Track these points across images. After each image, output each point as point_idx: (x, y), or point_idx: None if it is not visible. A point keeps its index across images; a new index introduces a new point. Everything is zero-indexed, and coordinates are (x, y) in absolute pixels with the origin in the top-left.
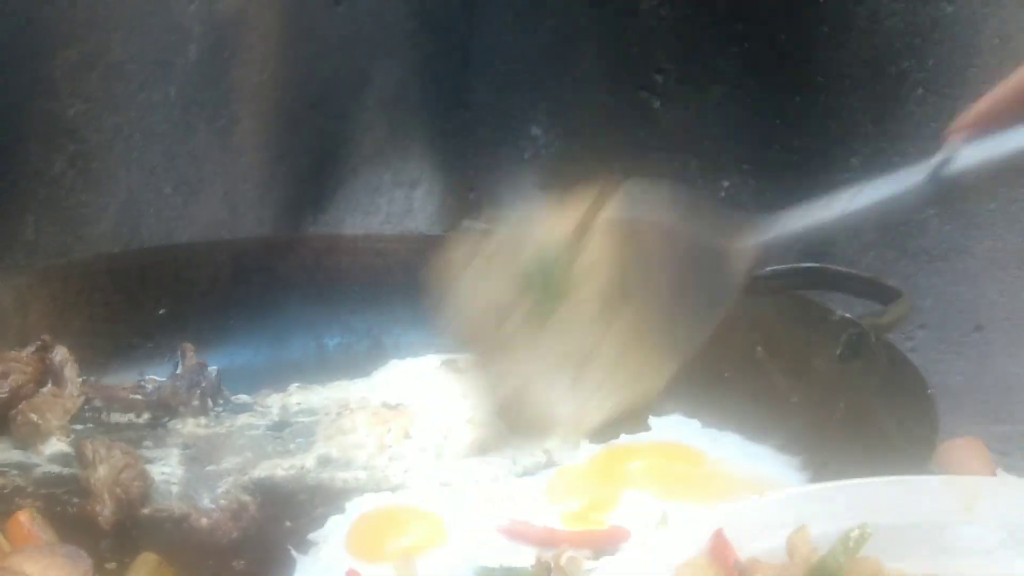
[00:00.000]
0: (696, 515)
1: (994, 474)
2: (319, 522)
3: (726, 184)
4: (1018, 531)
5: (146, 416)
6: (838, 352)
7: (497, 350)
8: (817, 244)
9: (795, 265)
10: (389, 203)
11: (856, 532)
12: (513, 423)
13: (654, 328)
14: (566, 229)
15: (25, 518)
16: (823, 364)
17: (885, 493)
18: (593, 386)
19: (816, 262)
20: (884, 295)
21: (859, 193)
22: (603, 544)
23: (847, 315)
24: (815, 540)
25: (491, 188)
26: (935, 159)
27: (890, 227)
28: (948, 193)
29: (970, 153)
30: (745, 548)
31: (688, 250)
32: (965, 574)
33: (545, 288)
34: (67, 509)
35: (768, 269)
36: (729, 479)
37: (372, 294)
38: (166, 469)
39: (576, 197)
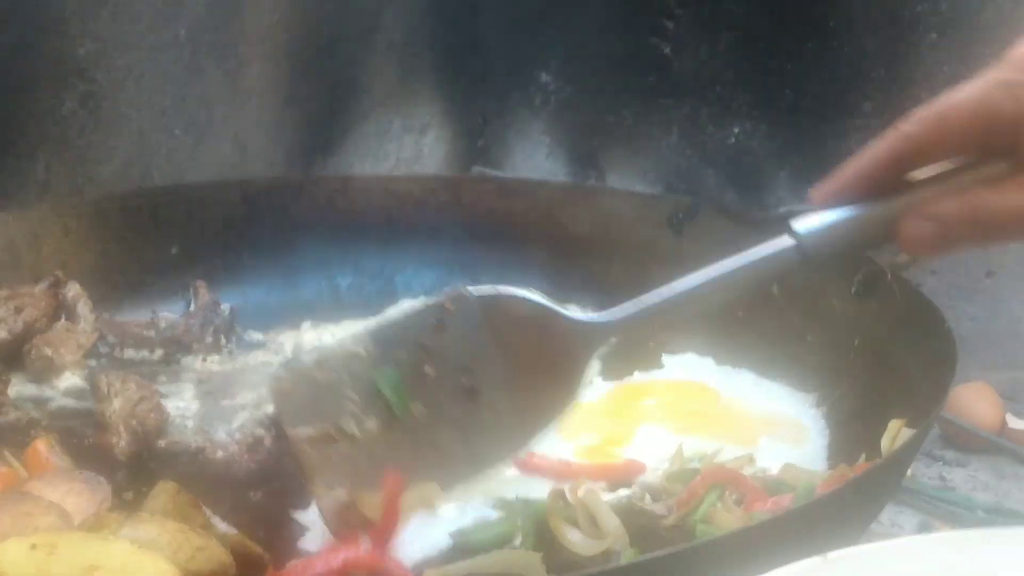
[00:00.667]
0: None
1: (1004, 419)
2: None
3: (736, 130)
4: None
5: (160, 353)
6: (853, 290)
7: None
8: None
9: (809, 206)
10: (399, 148)
11: None
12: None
13: (506, 406)
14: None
15: (43, 446)
16: (838, 302)
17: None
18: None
19: None
20: None
21: (721, 265)
22: (619, 477)
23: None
24: None
25: (500, 134)
26: (794, 223)
27: None
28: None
29: (827, 219)
30: None
31: (538, 326)
32: None
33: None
34: (83, 441)
35: (782, 210)
36: (743, 415)
37: (384, 234)
38: (181, 404)
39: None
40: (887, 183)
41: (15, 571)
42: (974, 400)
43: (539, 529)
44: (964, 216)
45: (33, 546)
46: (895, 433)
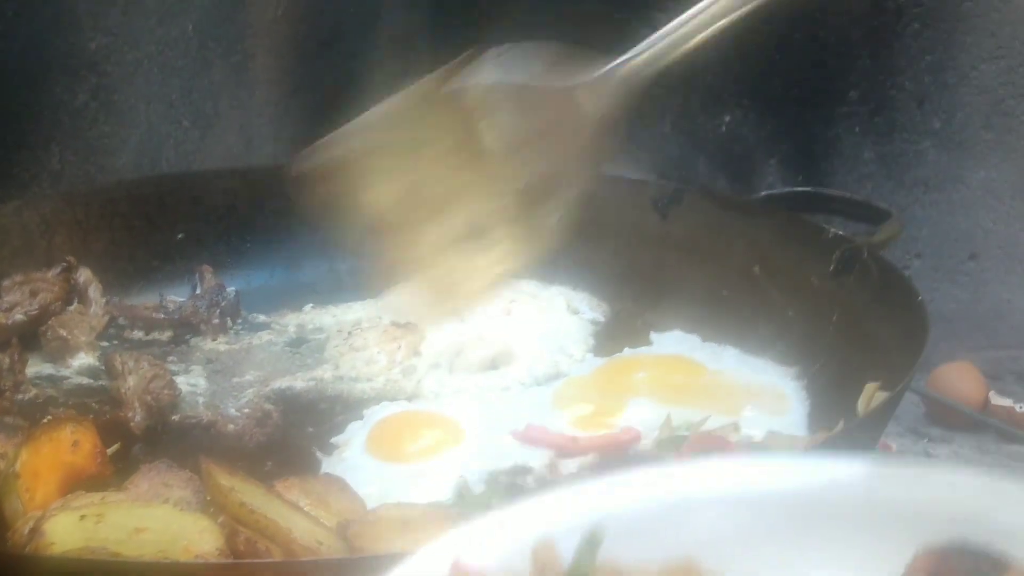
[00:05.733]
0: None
1: (987, 396)
2: (340, 427)
3: (727, 119)
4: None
5: (168, 334)
6: (831, 268)
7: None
8: (815, 175)
9: (790, 189)
10: None
11: (590, 534)
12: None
13: (526, 188)
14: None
15: None
16: (817, 280)
17: (622, 487)
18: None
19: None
20: (876, 216)
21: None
22: (616, 446)
23: (840, 232)
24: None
25: None
26: None
27: (887, 158)
28: None
29: None
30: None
31: (537, 103)
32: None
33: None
34: (99, 417)
35: (764, 193)
36: (728, 386)
37: None
38: (191, 381)
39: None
40: None
41: (66, 539)
42: (958, 379)
43: None
44: None
45: (82, 516)
46: (870, 395)
